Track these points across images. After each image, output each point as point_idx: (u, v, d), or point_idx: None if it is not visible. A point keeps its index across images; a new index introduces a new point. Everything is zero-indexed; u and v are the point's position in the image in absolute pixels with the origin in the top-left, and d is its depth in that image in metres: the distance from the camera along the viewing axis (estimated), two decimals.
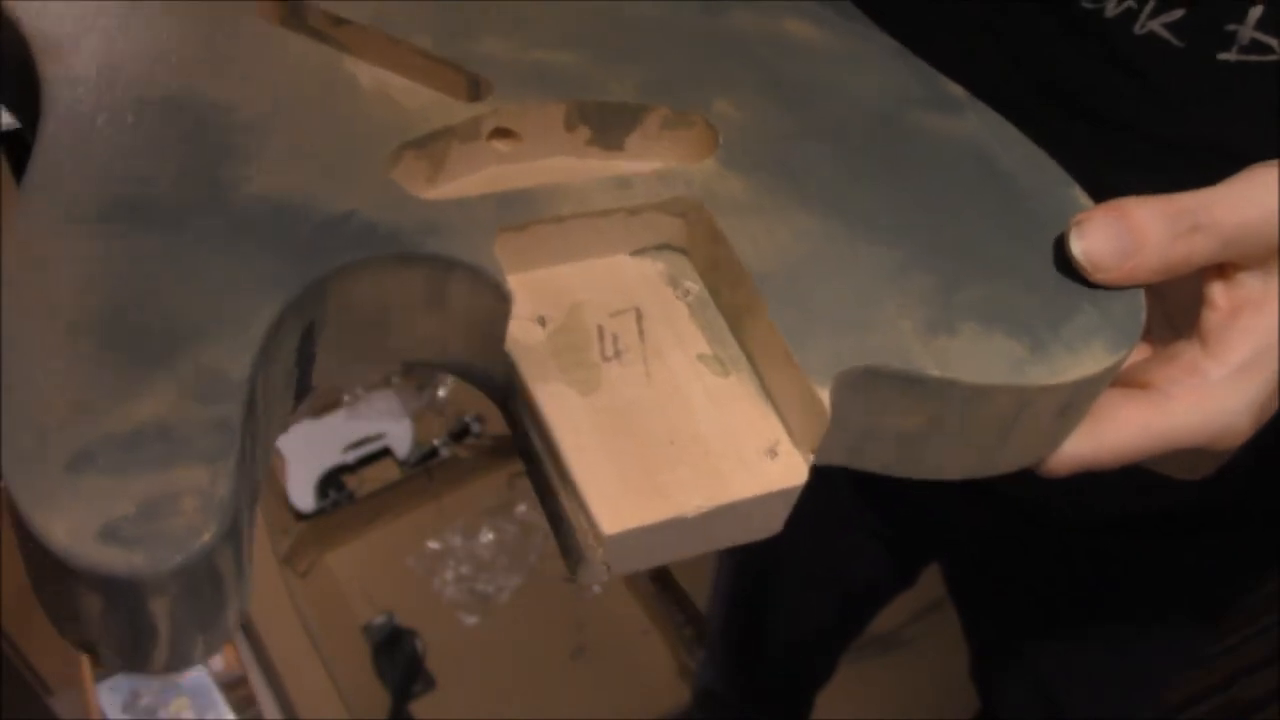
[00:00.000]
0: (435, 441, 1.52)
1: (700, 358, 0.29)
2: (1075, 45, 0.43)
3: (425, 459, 1.51)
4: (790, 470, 0.28)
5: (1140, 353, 0.34)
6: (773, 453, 0.28)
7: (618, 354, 0.29)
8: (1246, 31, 0.39)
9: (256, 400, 0.25)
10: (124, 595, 0.21)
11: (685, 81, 0.33)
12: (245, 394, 0.23)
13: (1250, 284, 0.31)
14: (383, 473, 1.51)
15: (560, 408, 0.27)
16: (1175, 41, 0.40)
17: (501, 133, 0.32)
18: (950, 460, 0.30)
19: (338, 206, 0.28)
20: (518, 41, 0.33)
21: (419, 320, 0.28)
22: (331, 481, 1.48)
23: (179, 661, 0.24)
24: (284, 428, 0.28)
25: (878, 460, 0.30)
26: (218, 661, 1.34)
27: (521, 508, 1.50)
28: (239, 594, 0.24)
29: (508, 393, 0.29)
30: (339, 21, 0.32)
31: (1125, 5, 0.41)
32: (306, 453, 1.50)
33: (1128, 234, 0.30)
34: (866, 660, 1.33)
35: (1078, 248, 0.30)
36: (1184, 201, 0.30)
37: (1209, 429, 0.30)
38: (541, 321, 0.29)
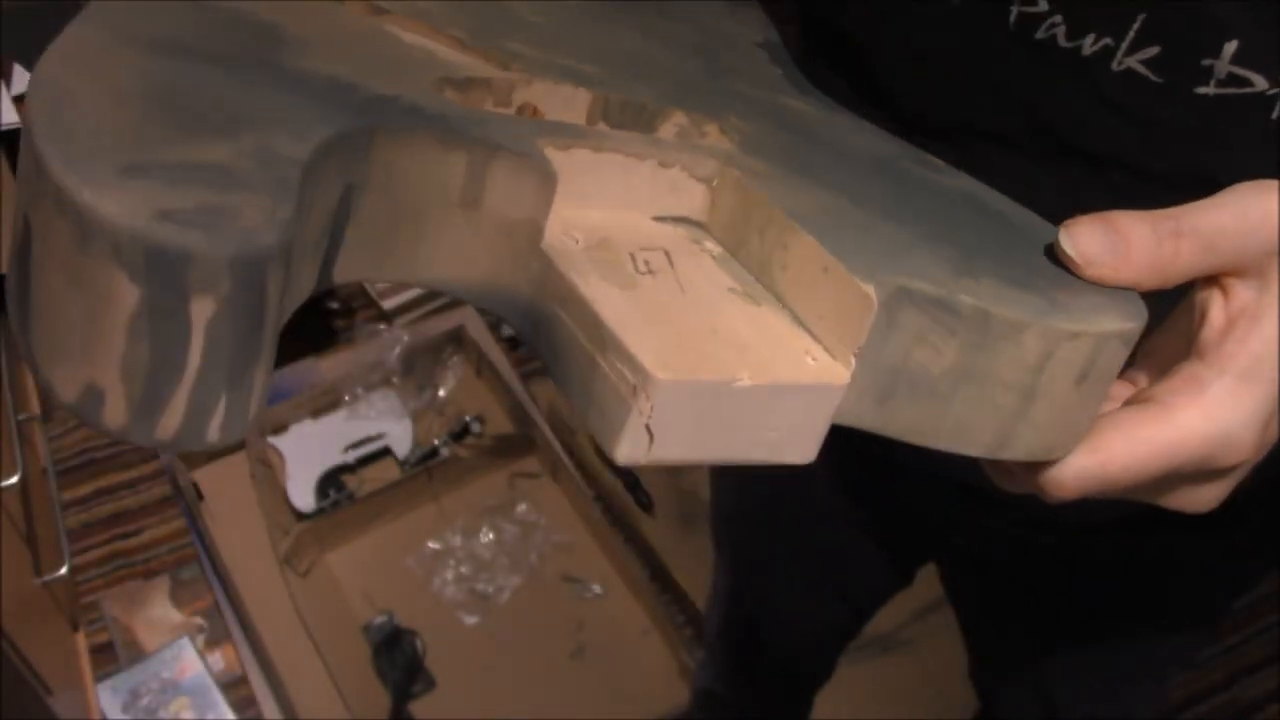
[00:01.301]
0: (435, 441, 1.53)
1: (731, 290, 0.29)
2: (1058, 83, 0.43)
3: (425, 459, 1.51)
4: (831, 370, 0.28)
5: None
6: (813, 357, 0.28)
7: (651, 272, 0.29)
8: (1223, 66, 0.39)
9: (302, 213, 0.23)
10: (170, 282, 0.20)
11: (698, 100, 0.35)
12: (302, 174, 0.23)
13: (1245, 295, 0.31)
14: (383, 473, 1.51)
15: (601, 293, 0.27)
16: (1153, 77, 0.41)
17: (528, 110, 0.32)
18: (972, 426, 0.30)
19: (387, 90, 0.27)
20: (542, 50, 0.34)
21: (453, 222, 0.28)
22: (331, 481, 1.48)
23: (193, 425, 0.21)
24: (301, 298, 0.26)
25: (903, 417, 0.30)
26: (218, 661, 1.34)
27: (522, 507, 1.50)
28: (266, 363, 0.23)
29: (534, 304, 0.28)
30: (379, 9, 0.32)
31: (1102, 43, 0.41)
32: (306, 453, 1.50)
33: (1115, 233, 0.31)
34: (866, 660, 1.33)
35: (1068, 244, 0.31)
36: (1166, 211, 0.31)
37: (1211, 437, 0.30)
38: (575, 240, 0.29)
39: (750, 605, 0.95)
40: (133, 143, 0.21)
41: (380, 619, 1.38)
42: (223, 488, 1.49)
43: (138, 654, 1.35)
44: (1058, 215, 0.47)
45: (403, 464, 1.52)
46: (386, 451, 1.53)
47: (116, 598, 1.40)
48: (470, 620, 1.40)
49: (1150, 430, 0.30)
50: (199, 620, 1.39)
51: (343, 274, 0.27)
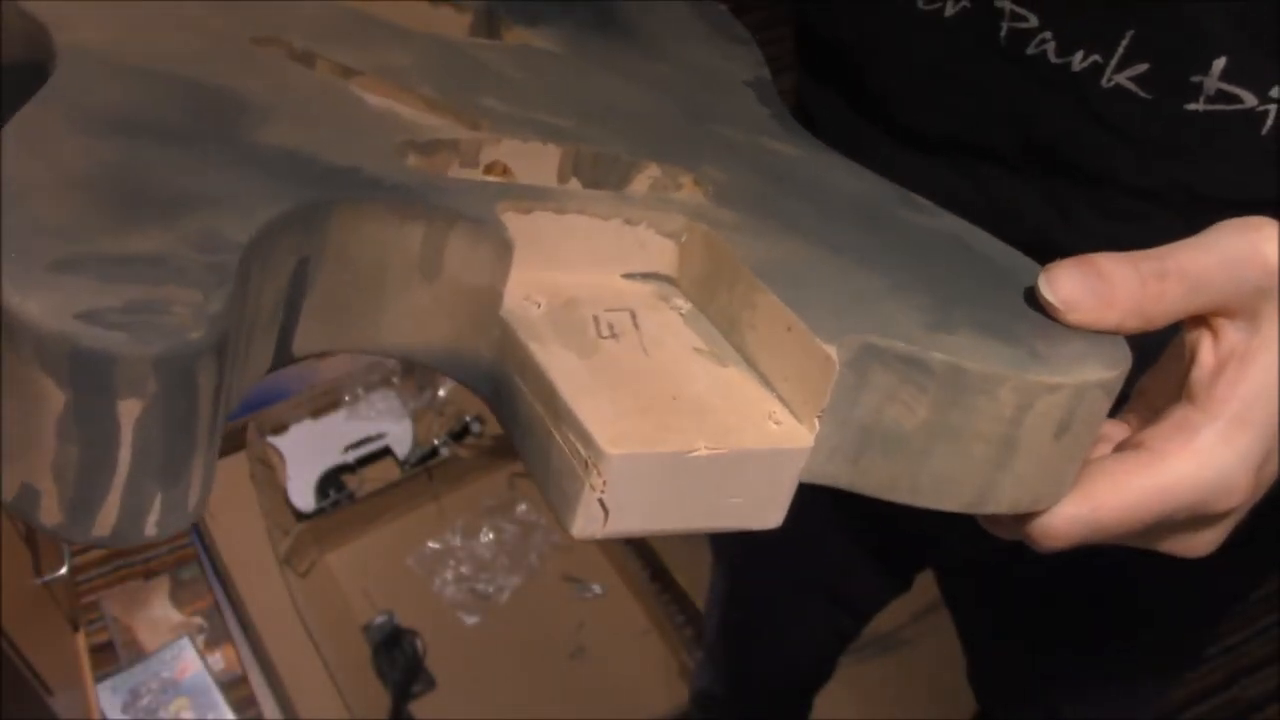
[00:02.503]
0: (435, 441, 1.52)
1: (696, 350, 0.29)
2: (1049, 101, 0.43)
3: (425, 459, 1.51)
4: (794, 434, 0.27)
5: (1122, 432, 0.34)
6: (776, 420, 0.27)
7: (614, 335, 0.28)
8: (1212, 82, 0.39)
9: (249, 292, 0.23)
10: (95, 385, 0.19)
11: (674, 150, 0.34)
12: (242, 257, 0.22)
13: (1234, 337, 0.30)
14: (383, 473, 1.51)
15: (558, 361, 0.27)
16: (1142, 94, 0.41)
17: (497, 169, 0.32)
18: (951, 480, 0.29)
19: (346, 161, 0.27)
20: (516, 104, 0.34)
21: (412, 291, 0.27)
22: (331, 481, 1.48)
23: (128, 522, 0.21)
24: (258, 377, 0.26)
25: (878, 475, 0.29)
26: (218, 661, 1.34)
27: (522, 507, 1.50)
28: (206, 455, 0.22)
29: (495, 372, 0.28)
30: (349, 71, 0.32)
31: (1091, 59, 0.41)
32: (306, 453, 1.50)
33: (1096, 277, 0.30)
34: (866, 660, 1.33)
35: (1047, 290, 0.30)
36: (1149, 252, 0.30)
37: (1203, 484, 0.30)
38: (537, 304, 0.28)
39: (748, 609, 0.94)
40: (70, 235, 0.21)
41: (380, 619, 1.38)
42: (223, 488, 1.48)
43: (138, 654, 1.34)
44: (1051, 233, 0.47)
45: (403, 464, 1.52)
46: (386, 451, 1.53)
47: (116, 598, 1.40)
48: (470, 620, 1.40)
49: (1141, 478, 0.30)
50: (199, 620, 1.39)
51: (303, 347, 0.27)
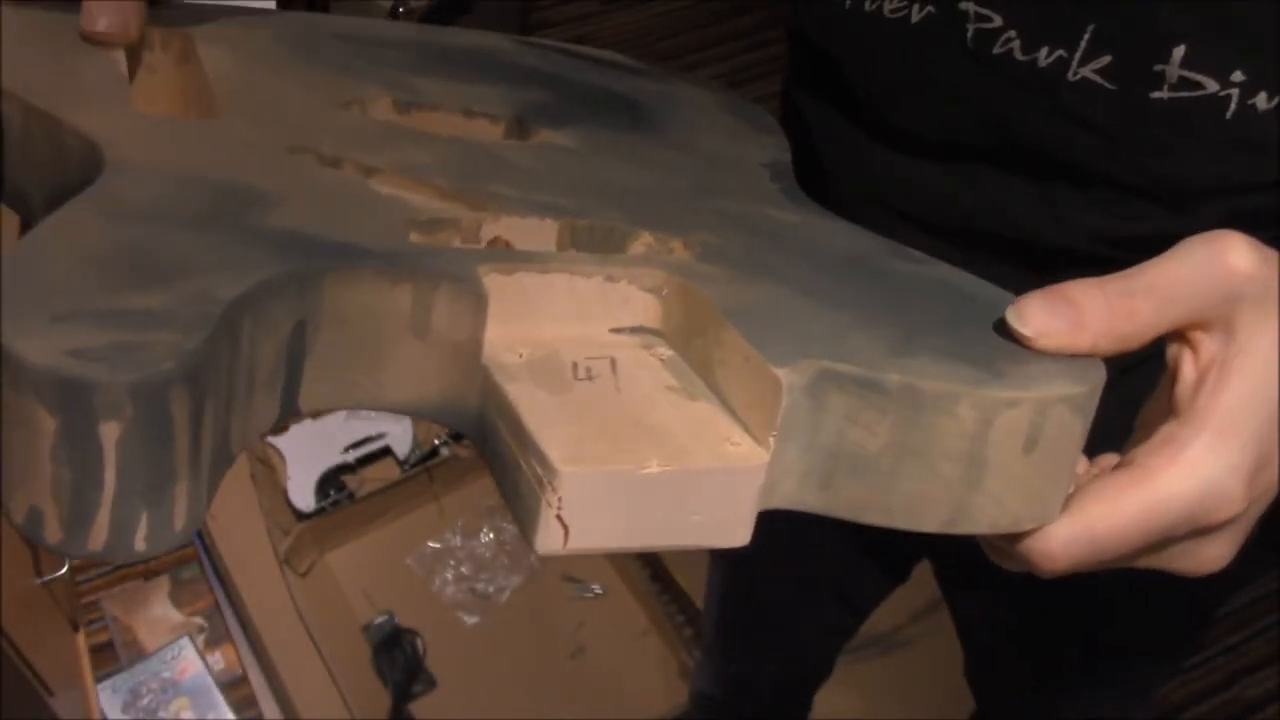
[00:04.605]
0: (435, 441, 1.53)
1: (669, 388, 0.30)
2: (1020, 99, 0.43)
3: (425, 459, 1.51)
4: (749, 453, 0.28)
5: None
6: (733, 442, 0.29)
7: (590, 378, 0.30)
8: (1173, 70, 0.39)
9: (241, 343, 0.26)
10: (78, 409, 0.22)
11: (671, 220, 0.36)
12: (227, 310, 0.25)
13: (1211, 348, 0.31)
14: (383, 473, 1.51)
15: (528, 397, 0.28)
16: (1108, 85, 0.41)
17: (499, 244, 0.34)
18: (922, 501, 0.30)
19: (345, 238, 0.30)
20: (523, 189, 0.36)
21: (407, 349, 0.30)
22: (331, 481, 1.48)
23: (119, 537, 0.24)
24: (265, 426, 0.29)
25: (849, 498, 0.30)
26: (218, 661, 1.34)
27: None
28: (190, 479, 0.25)
29: (481, 417, 0.30)
30: (370, 170, 0.35)
31: (1057, 54, 0.41)
32: (306, 453, 1.50)
33: (1065, 304, 0.30)
34: (866, 660, 1.33)
35: (1016, 321, 0.30)
36: (1118, 273, 0.31)
37: (1194, 495, 0.30)
38: (519, 354, 0.30)
39: (746, 607, 0.94)
40: (75, 296, 0.25)
41: (380, 619, 1.38)
42: (223, 488, 1.47)
43: (138, 654, 1.35)
44: (1043, 231, 0.47)
45: (403, 464, 1.52)
46: (386, 451, 1.53)
47: (116, 598, 1.40)
48: (470, 620, 1.40)
49: (1133, 495, 0.30)
50: (199, 620, 1.39)
51: (309, 403, 0.30)
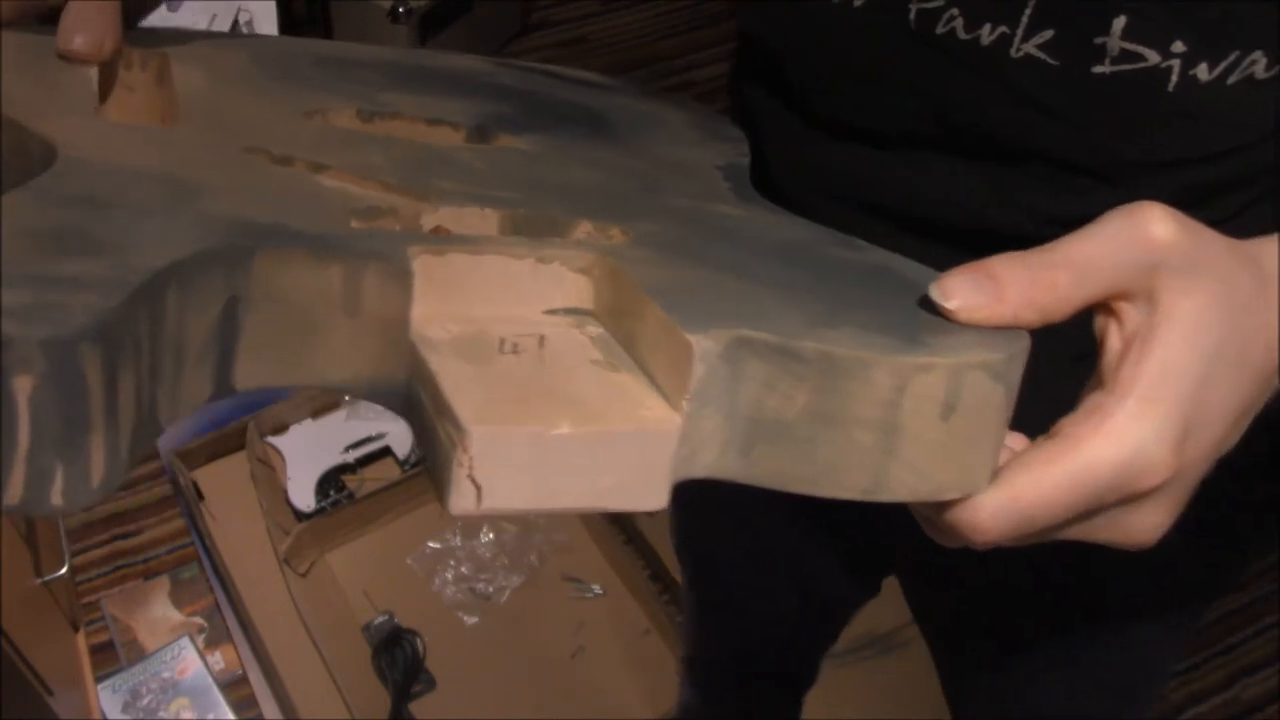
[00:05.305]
0: None
1: (593, 361, 0.31)
2: (964, 78, 0.43)
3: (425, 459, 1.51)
4: (662, 417, 0.29)
5: None
6: (648, 408, 0.29)
7: (515, 352, 0.31)
8: (1114, 43, 0.39)
9: (166, 314, 0.27)
10: None
11: (613, 211, 0.37)
12: (149, 279, 0.26)
13: (1135, 318, 0.31)
14: (383, 473, 1.51)
15: (449, 367, 0.29)
16: (1050, 61, 0.41)
17: (441, 233, 0.35)
18: (840, 468, 0.30)
19: (276, 220, 0.31)
20: (468, 184, 0.37)
21: (339, 328, 0.31)
22: (331, 481, 1.48)
23: (35, 492, 0.25)
24: (197, 401, 0.30)
25: (769, 465, 0.30)
26: (218, 661, 1.34)
27: None
28: (105, 435, 0.25)
29: (408, 390, 0.31)
30: (320, 168, 0.37)
31: (999, 31, 0.41)
32: (306, 453, 1.50)
33: (985, 278, 0.31)
34: (866, 660, 1.33)
35: (938, 295, 0.31)
36: (1040, 246, 0.31)
37: (1120, 461, 0.30)
38: (449, 331, 0.31)
39: (718, 619, 0.94)
40: (10, 265, 0.26)
41: (380, 619, 1.38)
42: (223, 488, 1.49)
43: (138, 654, 1.35)
44: (988, 214, 0.47)
45: (403, 464, 1.52)
46: (386, 451, 1.53)
47: (116, 598, 1.40)
48: (470, 620, 1.40)
49: (1059, 464, 0.30)
50: (199, 620, 1.39)
51: (244, 381, 0.31)
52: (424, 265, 0.31)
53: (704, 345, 0.28)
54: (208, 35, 0.46)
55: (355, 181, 0.36)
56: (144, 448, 0.28)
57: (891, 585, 0.82)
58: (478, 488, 0.27)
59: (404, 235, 0.32)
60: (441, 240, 0.33)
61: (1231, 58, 0.39)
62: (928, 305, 0.32)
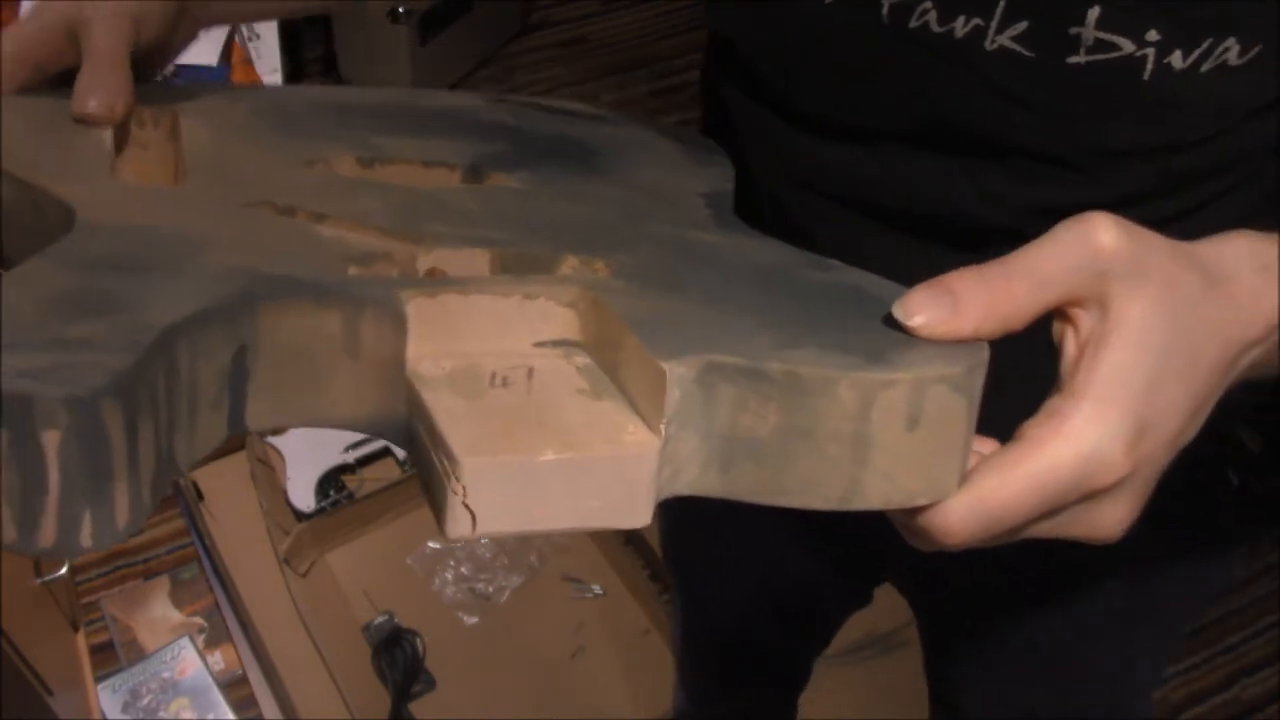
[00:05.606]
0: None
1: (579, 390, 0.33)
2: (938, 72, 0.43)
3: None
4: (641, 440, 0.31)
5: None
6: (629, 432, 0.31)
7: (505, 384, 0.33)
8: (1089, 33, 0.40)
9: (179, 366, 0.29)
10: (23, 421, 0.26)
11: (596, 244, 0.39)
12: (159, 337, 0.28)
13: (1089, 323, 0.32)
14: (383, 473, 1.51)
15: (443, 402, 0.31)
16: (1025, 52, 0.41)
17: (436, 275, 0.37)
18: (814, 480, 0.32)
19: (283, 273, 0.33)
20: (460, 226, 0.40)
21: (342, 370, 0.33)
22: (331, 481, 1.48)
23: (66, 534, 0.27)
24: (212, 442, 0.32)
25: (748, 481, 0.32)
26: (218, 661, 1.34)
27: None
28: (129, 481, 0.28)
29: (408, 429, 0.33)
30: (320, 218, 0.39)
31: (973, 23, 0.41)
32: (306, 453, 1.50)
33: (944, 293, 0.32)
34: (866, 660, 1.33)
35: (901, 314, 0.33)
36: (996, 260, 0.33)
37: (1077, 461, 0.31)
38: (443, 367, 0.33)
39: (707, 626, 0.94)
40: (25, 330, 0.28)
41: (380, 619, 1.38)
42: (223, 488, 1.49)
43: (138, 654, 1.35)
44: (966, 208, 0.48)
45: (403, 464, 1.52)
46: (386, 451, 1.53)
47: (116, 598, 1.40)
48: (470, 620, 1.40)
49: (1020, 466, 0.31)
50: (199, 620, 1.39)
51: (256, 421, 0.33)
52: (417, 307, 0.33)
53: (677, 371, 0.30)
54: (210, 88, 0.49)
55: (353, 229, 0.38)
56: (164, 489, 0.30)
57: (892, 586, 0.83)
58: (472, 514, 0.29)
59: (399, 280, 0.35)
60: (434, 283, 0.35)
61: (1205, 45, 0.39)
62: (893, 323, 0.33)
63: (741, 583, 0.85)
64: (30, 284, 0.31)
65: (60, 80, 0.44)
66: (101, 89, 0.41)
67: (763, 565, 0.82)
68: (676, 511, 0.84)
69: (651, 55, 2.31)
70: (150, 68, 0.48)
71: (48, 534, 0.27)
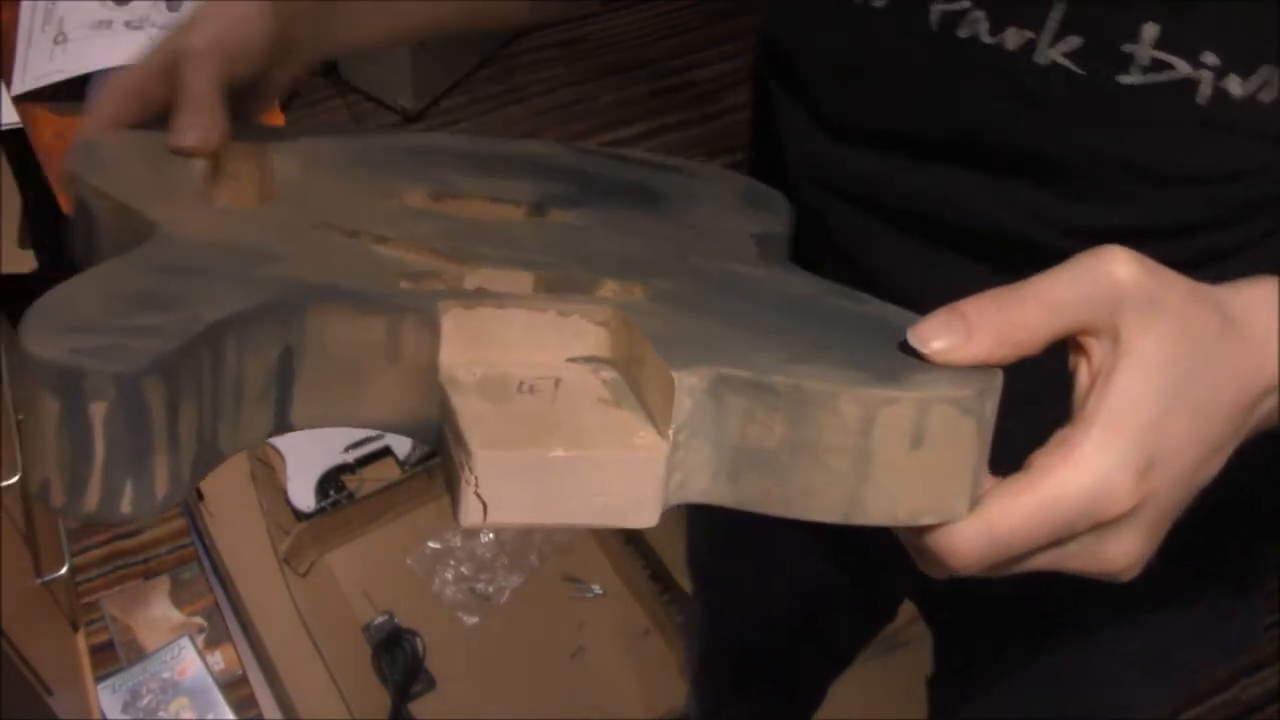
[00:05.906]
0: None
1: (601, 400, 0.34)
2: (979, 82, 0.43)
3: (425, 459, 1.51)
4: (650, 444, 0.32)
5: None
6: (639, 437, 0.33)
7: (532, 392, 0.34)
8: (1144, 51, 0.39)
9: (226, 358, 0.32)
10: (73, 392, 0.28)
11: (638, 272, 0.41)
12: (207, 330, 0.31)
13: (1100, 354, 0.33)
14: (383, 473, 1.51)
15: (469, 404, 0.33)
16: (1076, 69, 0.41)
17: (480, 292, 0.39)
18: (817, 492, 0.33)
19: (330, 281, 0.35)
20: (509, 250, 0.42)
21: (383, 374, 0.35)
22: (331, 481, 1.48)
23: (108, 500, 0.29)
24: (259, 437, 0.34)
25: (755, 490, 0.33)
26: (218, 661, 1.34)
27: None
28: (168, 456, 0.30)
29: (439, 431, 0.34)
30: (382, 240, 0.41)
31: (1025, 37, 0.41)
32: (306, 453, 1.50)
33: (957, 319, 0.33)
34: (867, 660, 1.33)
35: (915, 340, 0.33)
36: (1010, 285, 0.33)
37: (1085, 489, 0.31)
38: (475, 374, 0.35)
39: (728, 643, 0.94)
40: (89, 318, 0.31)
41: (380, 619, 1.38)
42: (223, 488, 1.49)
43: (138, 654, 1.35)
44: (995, 219, 0.47)
45: (403, 464, 1.52)
46: (386, 451, 1.53)
47: (116, 598, 1.40)
48: (470, 620, 1.40)
49: (1028, 493, 0.32)
50: (199, 620, 1.39)
51: (301, 420, 0.35)
52: (455, 318, 0.35)
53: (688, 381, 0.32)
54: (303, 130, 0.53)
55: (409, 249, 0.40)
56: (206, 471, 0.32)
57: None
58: (484, 503, 0.31)
59: (441, 293, 0.36)
60: (472, 295, 0.36)
61: (1263, 71, 0.38)
62: (904, 346, 0.34)
63: (767, 596, 0.85)
64: (104, 280, 0.34)
65: (164, 118, 0.47)
66: (198, 123, 0.45)
67: (789, 579, 0.82)
68: (704, 524, 0.84)
69: (652, 55, 2.31)
70: (255, 100, 0.50)
71: (92, 500, 0.29)
